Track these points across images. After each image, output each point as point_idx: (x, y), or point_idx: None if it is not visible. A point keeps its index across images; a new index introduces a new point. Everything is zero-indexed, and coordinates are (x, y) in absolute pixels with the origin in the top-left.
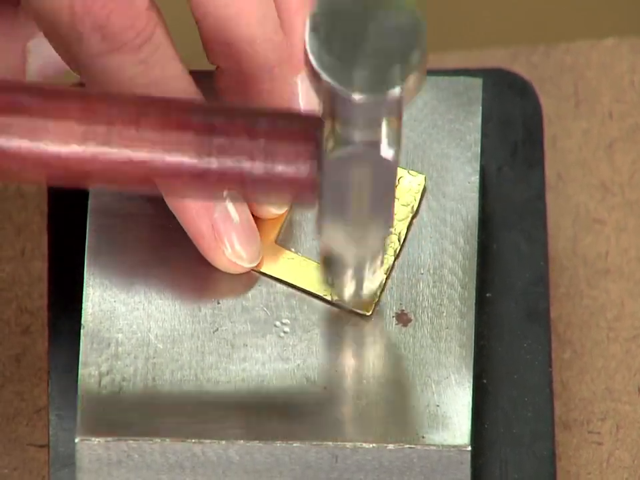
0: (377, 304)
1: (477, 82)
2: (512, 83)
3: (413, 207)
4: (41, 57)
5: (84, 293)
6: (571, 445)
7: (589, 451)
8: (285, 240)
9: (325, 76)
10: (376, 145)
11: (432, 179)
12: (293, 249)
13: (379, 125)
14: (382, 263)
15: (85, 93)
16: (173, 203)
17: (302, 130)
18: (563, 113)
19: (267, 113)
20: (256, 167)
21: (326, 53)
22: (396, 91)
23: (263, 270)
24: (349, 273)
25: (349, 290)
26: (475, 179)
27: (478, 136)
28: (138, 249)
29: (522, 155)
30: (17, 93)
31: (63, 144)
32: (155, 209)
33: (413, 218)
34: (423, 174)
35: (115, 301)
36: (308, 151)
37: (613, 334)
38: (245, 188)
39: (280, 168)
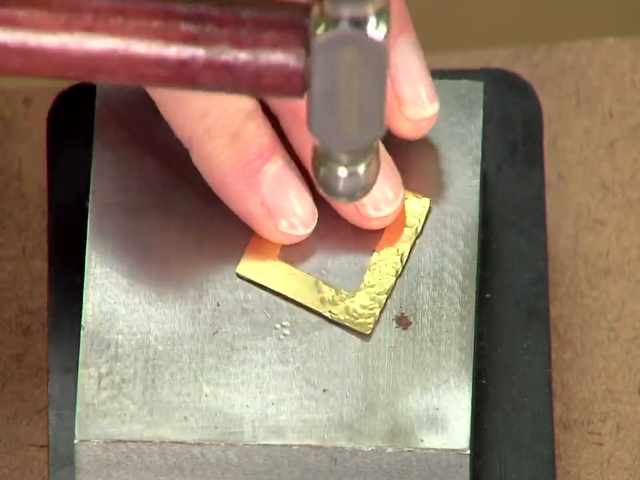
0: (376, 323)
1: (479, 85)
2: (512, 82)
3: (417, 228)
4: None
5: (84, 294)
6: (571, 446)
7: (589, 451)
8: (287, 255)
9: None
10: (363, 26)
11: (433, 182)
12: (293, 264)
13: (367, 4)
14: (376, 153)
15: None
16: (218, 187)
17: (290, 17)
18: (564, 112)
19: (253, 4)
20: (243, 55)
21: None
22: None
23: (266, 284)
24: (342, 166)
25: (343, 183)
26: (476, 182)
27: (479, 139)
28: (138, 250)
29: (522, 155)
30: None
31: (47, 33)
32: (156, 211)
33: (416, 239)
34: (428, 197)
35: (115, 303)
36: (296, 38)
37: (614, 334)
38: (232, 77)
39: (267, 56)
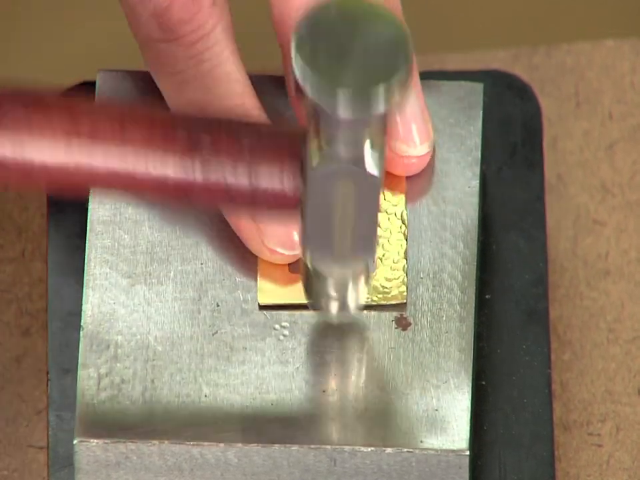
0: (407, 288)
1: (478, 86)
2: (511, 84)
3: (402, 185)
4: None
5: (84, 294)
6: (570, 447)
7: (588, 452)
8: (296, 268)
9: (309, 93)
10: (360, 162)
11: (432, 183)
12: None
13: (364, 142)
14: (367, 281)
15: (70, 103)
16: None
17: (286, 146)
18: (564, 114)
19: (251, 129)
20: (240, 183)
21: (310, 70)
22: (380, 109)
23: (292, 301)
24: (332, 290)
25: (333, 306)
26: (475, 183)
27: (478, 140)
28: (137, 251)
29: (521, 156)
30: (1, 103)
31: (46, 155)
32: (155, 213)
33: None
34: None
35: (114, 303)
36: (292, 167)
37: (613, 335)
38: (230, 202)
39: (264, 184)
